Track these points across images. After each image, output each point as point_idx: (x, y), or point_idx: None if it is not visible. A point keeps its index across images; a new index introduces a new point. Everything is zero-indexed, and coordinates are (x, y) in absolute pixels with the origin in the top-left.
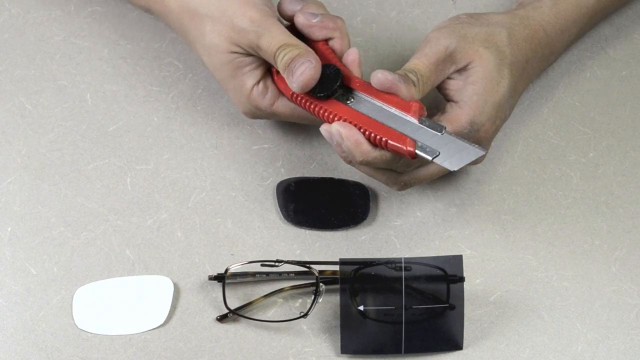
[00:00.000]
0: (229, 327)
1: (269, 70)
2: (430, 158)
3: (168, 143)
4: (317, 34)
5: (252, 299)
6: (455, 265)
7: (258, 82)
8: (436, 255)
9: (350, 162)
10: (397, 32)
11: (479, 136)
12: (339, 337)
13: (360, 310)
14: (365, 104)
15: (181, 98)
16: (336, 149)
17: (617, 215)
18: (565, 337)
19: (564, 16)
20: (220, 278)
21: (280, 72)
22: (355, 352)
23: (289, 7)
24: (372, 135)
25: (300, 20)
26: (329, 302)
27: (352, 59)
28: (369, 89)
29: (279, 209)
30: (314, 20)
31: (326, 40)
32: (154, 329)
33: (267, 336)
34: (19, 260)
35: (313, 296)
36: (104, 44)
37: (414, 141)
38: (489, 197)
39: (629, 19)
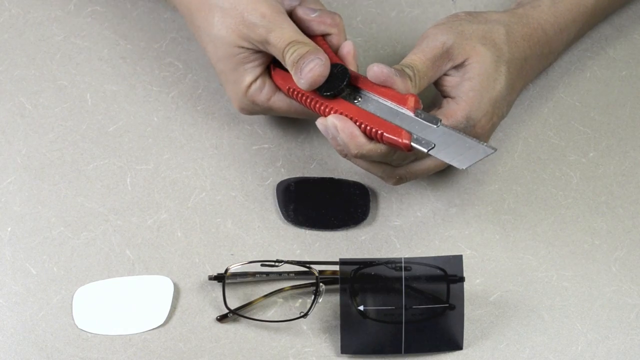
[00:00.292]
0: (229, 327)
1: (268, 67)
2: (425, 150)
3: (168, 143)
4: (315, 28)
5: (252, 299)
6: (455, 265)
7: (257, 79)
8: (436, 255)
9: (345, 156)
10: (397, 32)
11: (475, 132)
12: (339, 337)
13: (360, 310)
14: (365, 98)
15: (181, 98)
16: (331, 142)
17: (617, 215)
18: (565, 337)
19: (562, 15)
20: (220, 278)
21: (288, 68)
22: (355, 352)
23: (288, 3)
24: (368, 128)
25: (299, 15)
26: (329, 302)
27: (347, 50)
28: (365, 82)
29: (279, 209)
30: (313, 15)
31: (323, 36)
32: (154, 329)
33: (267, 336)
34: (19, 260)
35: (313, 296)
36: (104, 44)
37: (410, 133)
38: (489, 197)
39: (629, 19)
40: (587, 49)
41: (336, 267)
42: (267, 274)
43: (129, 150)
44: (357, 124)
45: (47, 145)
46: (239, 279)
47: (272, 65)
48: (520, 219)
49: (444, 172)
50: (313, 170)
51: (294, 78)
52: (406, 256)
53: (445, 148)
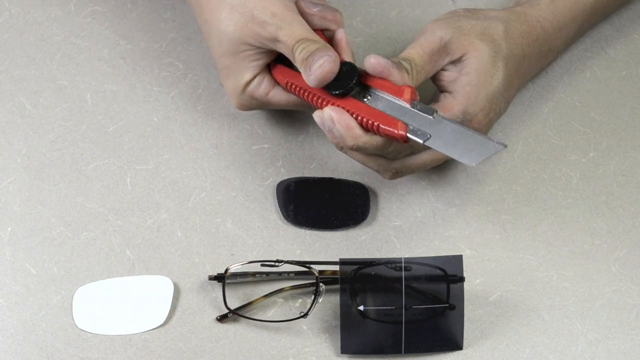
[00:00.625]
0: (229, 327)
1: (268, 65)
2: (421, 141)
3: (168, 143)
4: (315, 22)
5: (252, 299)
6: (455, 265)
7: (256, 76)
8: (436, 255)
9: (342, 149)
10: (397, 32)
11: (471, 127)
12: (339, 337)
13: (360, 310)
14: (362, 90)
15: (181, 98)
16: (328, 135)
17: (617, 215)
18: (565, 337)
19: (561, 13)
20: (220, 278)
21: (298, 65)
22: (355, 352)
23: None
24: (364, 120)
25: (301, 7)
26: (329, 302)
27: (339, 37)
28: (363, 74)
29: (279, 209)
30: (315, 9)
31: (322, 31)
32: (154, 329)
33: (267, 336)
34: (19, 260)
35: (313, 296)
36: (104, 44)
37: (406, 125)
38: (489, 197)
39: (629, 19)
40: (587, 49)
41: (336, 267)
42: (267, 274)
43: (129, 150)
44: (354, 116)
45: (47, 145)
46: (239, 279)
47: (271, 62)
48: (520, 219)
49: (444, 172)
50: (313, 170)
51: (303, 75)
52: (406, 256)
53: (442, 138)
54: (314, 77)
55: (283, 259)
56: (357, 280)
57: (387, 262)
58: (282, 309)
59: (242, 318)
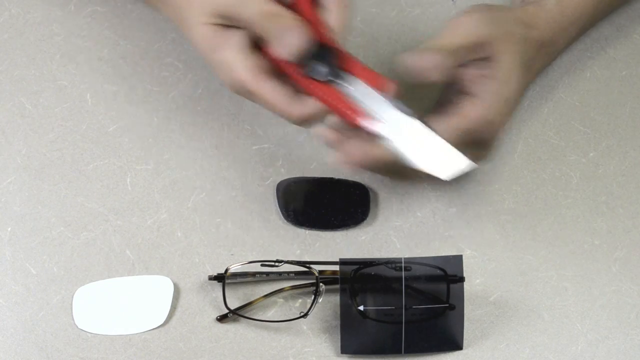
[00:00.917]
0: (229, 327)
1: (250, 44)
2: (385, 136)
3: (168, 143)
4: None
5: (252, 299)
6: (455, 265)
7: (239, 53)
8: (436, 255)
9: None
10: (397, 32)
11: (486, 134)
12: (339, 337)
13: (360, 310)
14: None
15: (181, 98)
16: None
17: (617, 215)
18: (565, 337)
19: (567, 13)
20: (220, 278)
21: (267, 39)
22: (355, 352)
23: None
24: (342, 111)
25: None
26: (329, 302)
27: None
28: (347, 60)
29: (279, 209)
30: None
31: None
32: (154, 329)
33: (267, 336)
34: (19, 260)
35: (313, 296)
36: (104, 44)
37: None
38: (489, 197)
39: (629, 19)
40: (587, 49)
41: (336, 267)
42: (267, 274)
43: (129, 150)
44: (331, 107)
45: (47, 145)
46: (239, 279)
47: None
48: (520, 219)
49: None
50: (313, 170)
51: (275, 48)
52: (406, 256)
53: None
54: (285, 48)
55: (283, 259)
56: (357, 280)
57: (387, 262)
58: (282, 309)
59: (242, 318)
